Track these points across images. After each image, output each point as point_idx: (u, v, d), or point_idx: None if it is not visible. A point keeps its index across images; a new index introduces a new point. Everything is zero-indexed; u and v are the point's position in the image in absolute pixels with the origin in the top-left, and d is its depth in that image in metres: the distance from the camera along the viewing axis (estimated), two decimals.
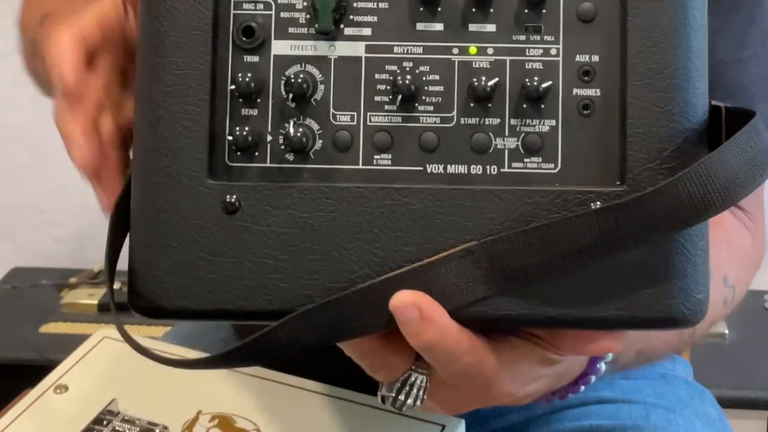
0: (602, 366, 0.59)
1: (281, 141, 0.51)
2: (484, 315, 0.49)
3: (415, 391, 0.54)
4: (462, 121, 0.51)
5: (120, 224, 0.54)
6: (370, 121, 0.51)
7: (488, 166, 0.50)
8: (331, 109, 0.51)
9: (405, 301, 0.48)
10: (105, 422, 0.74)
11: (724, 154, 0.47)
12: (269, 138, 0.52)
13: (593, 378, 0.59)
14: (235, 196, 0.51)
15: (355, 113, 0.51)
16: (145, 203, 0.52)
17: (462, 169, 0.51)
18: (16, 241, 2.03)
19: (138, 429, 0.74)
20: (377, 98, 0.51)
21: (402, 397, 0.54)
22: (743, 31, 0.72)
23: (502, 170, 0.50)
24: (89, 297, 1.77)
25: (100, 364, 0.81)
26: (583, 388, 0.60)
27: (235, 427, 0.75)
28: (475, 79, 0.50)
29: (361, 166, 0.51)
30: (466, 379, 0.52)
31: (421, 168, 0.51)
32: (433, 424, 0.75)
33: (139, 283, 0.52)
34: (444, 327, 0.49)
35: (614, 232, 0.47)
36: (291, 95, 0.51)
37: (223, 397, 0.77)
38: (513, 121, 0.51)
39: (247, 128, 0.51)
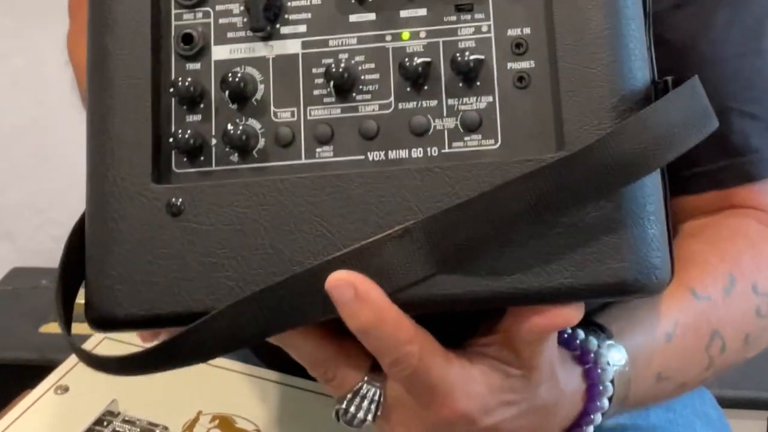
0: (604, 402, 0.56)
1: (225, 143, 0.52)
2: (427, 296, 0.48)
3: (366, 404, 0.52)
4: (400, 106, 0.51)
5: (74, 257, 0.55)
6: (311, 115, 0.52)
7: (429, 148, 0.50)
8: (272, 107, 0.52)
9: (339, 280, 0.47)
10: (105, 423, 0.74)
11: (657, 109, 0.46)
12: (213, 141, 0.52)
13: (597, 417, 0.56)
14: (180, 199, 0.51)
15: (295, 109, 0.52)
16: (94, 215, 0.52)
17: (403, 153, 0.51)
18: (16, 241, 2.02)
19: (138, 429, 0.74)
20: (316, 92, 0.52)
21: (353, 409, 0.52)
22: (760, 22, 0.71)
23: (443, 151, 0.50)
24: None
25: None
26: (591, 428, 0.56)
27: (236, 428, 0.75)
28: (406, 59, 0.50)
29: (303, 161, 0.51)
30: (414, 384, 0.50)
31: (363, 156, 0.51)
32: None
33: (92, 294, 0.52)
34: (381, 307, 0.47)
35: (550, 194, 0.46)
36: (230, 96, 0.52)
37: (223, 397, 0.77)
38: (450, 101, 0.51)
39: (190, 132, 0.52)
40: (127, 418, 0.75)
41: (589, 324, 0.57)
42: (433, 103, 0.51)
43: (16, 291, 1.82)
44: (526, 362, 0.51)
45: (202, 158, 0.52)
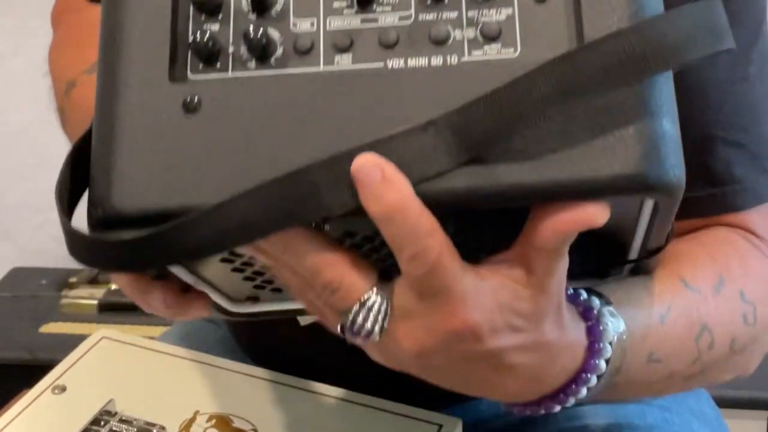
0: (602, 364, 0.55)
1: (242, 51, 0.52)
2: (448, 190, 0.48)
3: (373, 315, 0.50)
4: (420, 18, 0.51)
5: (79, 165, 0.53)
6: (330, 25, 0.52)
7: (448, 56, 0.51)
8: (291, 17, 0.52)
9: (367, 161, 0.46)
10: (103, 422, 0.74)
11: (677, 13, 0.47)
12: (231, 49, 0.52)
13: (592, 379, 0.56)
14: (197, 97, 0.51)
15: (314, 19, 0.52)
16: (105, 111, 0.52)
17: (423, 61, 0.51)
18: (16, 241, 2.03)
19: (135, 429, 0.74)
20: (336, 4, 0.52)
21: (360, 320, 0.50)
22: (747, 49, 0.71)
23: (462, 59, 0.50)
24: (89, 297, 1.77)
25: (98, 365, 0.81)
26: (584, 390, 0.56)
27: (233, 427, 0.75)
28: None
29: (322, 68, 0.51)
30: (428, 285, 0.49)
31: (382, 64, 0.51)
32: (430, 424, 0.75)
33: (98, 191, 0.51)
34: (407, 193, 0.47)
35: (570, 78, 0.46)
36: (251, 7, 0.52)
37: (220, 397, 0.77)
38: (470, 13, 0.51)
39: (208, 38, 0.51)
40: (124, 418, 0.75)
41: (589, 292, 0.57)
42: (453, 15, 0.51)
43: (16, 291, 1.82)
44: (537, 281, 0.50)
45: (218, 64, 0.52)
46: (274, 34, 0.52)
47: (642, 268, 0.61)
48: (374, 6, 0.52)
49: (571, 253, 0.51)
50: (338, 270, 0.50)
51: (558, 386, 0.56)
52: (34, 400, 0.77)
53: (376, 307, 0.50)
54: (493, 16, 0.51)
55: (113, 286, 1.79)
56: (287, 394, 0.78)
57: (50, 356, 1.50)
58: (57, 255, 1.98)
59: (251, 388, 0.79)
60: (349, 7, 0.52)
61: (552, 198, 0.48)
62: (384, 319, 0.51)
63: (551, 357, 0.54)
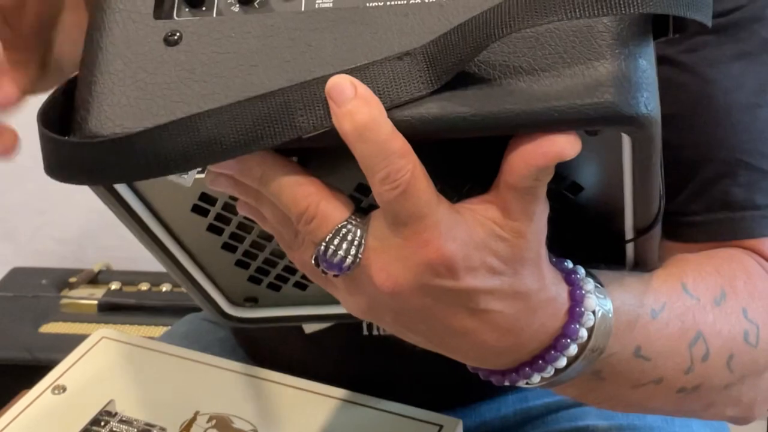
0: (583, 331, 0.54)
1: None
2: (421, 116, 0.48)
3: (346, 245, 0.50)
4: None
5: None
6: None
7: None
8: None
9: (342, 79, 0.47)
10: (103, 423, 0.74)
11: None
12: None
13: (572, 348, 0.54)
14: (179, 33, 0.52)
15: None
16: (92, 43, 0.53)
17: (402, 0, 0.51)
18: (16, 241, 2.03)
19: (135, 430, 0.74)
20: None
21: (333, 247, 0.50)
22: None
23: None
24: (89, 297, 1.77)
25: (98, 365, 0.81)
26: (563, 360, 0.54)
27: (233, 428, 0.75)
28: None
29: (303, 10, 0.52)
30: (401, 209, 0.49)
31: (362, 5, 0.51)
32: (430, 425, 0.75)
33: (79, 113, 0.52)
34: (379, 111, 0.47)
35: (538, 4, 0.46)
36: None
37: (220, 397, 0.77)
38: None
39: None
40: (124, 419, 0.75)
41: (576, 264, 0.56)
42: None
43: (16, 291, 1.82)
44: (515, 224, 0.50)
45: (203, 8, 0.53)
46: None
47: (642, 263, 0.60)
48: None
49: (566, 233, 0.50)
50: (314, 198, 0.50)
51: (536, 349, 0.54)
52: (35, 400, 0.77)
53: (350, 236, 0.50)
54: None
55: (113, 286, 1.79)
56: (287, 394, 0.78)
57: (50, 356, 1.50)
58: (57, 255, 1.99)
59: (251, 389, 0.79)
60: None
61: (522, 128, 0.48)
62: (358, 248, 0.50)
63: (529, 309, 0.53)
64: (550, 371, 0.55)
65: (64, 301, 1.78)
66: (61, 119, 0.54)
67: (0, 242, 2.03)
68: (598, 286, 0.55)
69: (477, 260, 0.50)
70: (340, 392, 0.78)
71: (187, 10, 0.53)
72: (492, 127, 0.48)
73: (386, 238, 0.50)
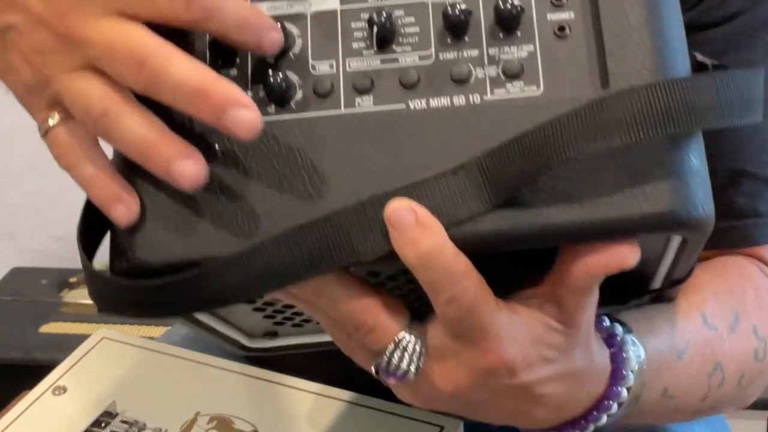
0: (623, 391, 0.55)
1: (261, 95, 0.51)
2: (479, 233, 0.48)
3: (408, 355, 0.50)
4: (440, 57, 0.51)
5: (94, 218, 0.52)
6: (350, 67, 0.51)
7: (471, 95, 0.50)
8: (310, 60, 0.52)
9: (401, 206, 0.47)
10: (103, 424, 0.74)
11: (714, 79, 0.46)
12: (249, 94, 0.51)
13: (613, 407, 0.56)
14: (216, 144, 0.50)
15: (333, 61, 0.51)
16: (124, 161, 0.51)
17: (445, 101, 0.50)
18: (16, 241, 2.03)
19: (136, 431, 0.74)
20: (355, 45, 0.51)
21: (395, 360, 0.50)
22: None
23: (485, 98, 0.50)
24: (89, 297, 1.77)
25: (99, 366, 0.81)
26: (604, 418, 0.56)
27: (234, 429, 0.75)
28: (448, 7, 0.50)
29: (343, 111, 0.51)
30: (463, 326, 0.49)
31: (404, 105, 0.50)
32: (431, 425, 0.75)
33: (121, 241, 0.51)
34: (441, 236, 0.47)
35: (597, 127, 0.46)
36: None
37: (221, 398, 0.77)
38: (491, 51, 0.51)
39: None
40: (125, 419, 0.75)
41: (611, 319, 0.57)
42: (474, 52, 0.51)
43: (16, 291, 1.82)
44: (568, 317, 0.51)
45: None
46: (293, 77, 0.51)
47: (664, 296, 0.61)
48: (394, 46, 0.51)
49: None
50: (372, 313, 0.50)
51: (580, 413, 0.56)
52: (35, 401, 0.77)
53: (410, 347, 0.50)
54: (515, 53, 0.50)
55: None
56: (289, 395, 0.78)
57: (50, 356, 1.50)
58: (57, 255, 1.99)
59: (252, 389, 0.79)
60: (368, 47, 0.51)
61: (583, 239, 0.49)
62: (419, 358, 0.51)
63: (579, 384, 0.54)
64: (590, 428, 0.57)
65: (64, 301, 1.78)
66: (94, 236, 0.53)
67: (0, 242, 2.03)
68: (633, 338, 0.57)
69: (534, 356, 0.51)
70: (341, 393, 0.78)
71: None
72: (552, 238, 0.49)
73: (447, 346, 0.50)
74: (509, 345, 0.50)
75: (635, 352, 0.56)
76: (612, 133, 0.46)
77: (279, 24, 0.51)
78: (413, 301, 0.52)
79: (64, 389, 0.78)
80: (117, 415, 0.75)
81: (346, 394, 0.78)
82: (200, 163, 0.48)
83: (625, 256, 0.48)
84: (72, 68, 0.49)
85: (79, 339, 0.86)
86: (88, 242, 0.53)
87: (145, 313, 0.51)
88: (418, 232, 0.46)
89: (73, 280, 1.83)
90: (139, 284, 0.49)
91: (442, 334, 0.50)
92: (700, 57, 0.52)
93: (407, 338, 0.50)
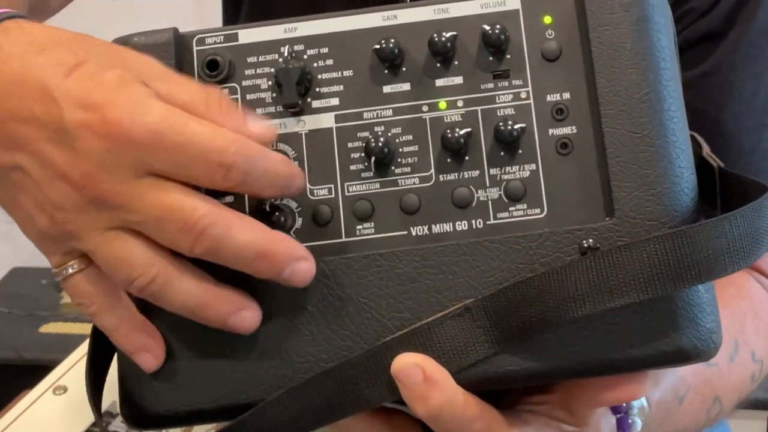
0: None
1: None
2: (488, 374, 0.48)
3: None
4: (441, 178, 0.50)
5: (102, 348, 0.52)
6: (348, 191, 0.50)
7: (473, 221, 0.49)
8: (308, 185, 0.50)
9: (407, 363, 0.46)
10: (104, 424, 0.74)
11: (720, 223, 0.45)
12: None
13: None
14: None
15: (332, 185, 0.50)
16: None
17: (447, 227, 0.50)
18: (16, 241, 2.02)
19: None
20: (353, 167, 0.50)
21: None
22: None
23: (488, 222, 0.49)
24: None
25: None
26: None
27: None
28: (447, 131, 0.49)
29: (344, 239, 0.50)
30: None
31: (406, 232, 0.50)
32: None
33: (130, 391, 0.50)
34: (450, 389, 0.46)
35: (605, 280, 0.45)
36: None
37: None
38: (492, 171, 0.50)
39: None
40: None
41: None
42: (475, 173, 0.50)
43: (16, 291, 1.82)
44: (579, 420, 0.51)
45: None
46: (291, 203, 0.50)
47: None
48: (393, 168, 0.50)
49: None
50: None
51: None
52: (36, 400, 0.77)
53: None
54: (517, 172, 0.50)
55: None
56: None
57: (50, 356, 1.49)
58: None
59: None
60: (367, 169, 0.50)
61: (594, 375, 0.49)
62: None
63: None
64: None
65: (64, 301, 1.78)
66: (100, 378, 0.53)
67: (0, 242, 2.02)
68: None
69: None
70: None
71: None
72: (563, 376, 0.49)
73: None
74: None
75: (640, 412, 0.56)
76: (624, 292, 0.45)
77: (274, 145, 0.50)
78: None
79: (65, 389, 0.78)
80: (117, 414, 0.75)
81: None
82: (255, 311, 0.48)
83: (636, 391, 0.49)
84: (105, 228, 0.46)
85: (79, 339, 0.86)
86: (95, 393, 0.53)
87: None
88: (426, 388, 0.46)
89: None
90: None
91: None
92: (706, 153, 0.51)
93: None
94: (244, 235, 0.45)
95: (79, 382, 0.79)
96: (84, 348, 0.83)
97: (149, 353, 0.49)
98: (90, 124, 0.45)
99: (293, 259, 0.46)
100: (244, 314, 0.48)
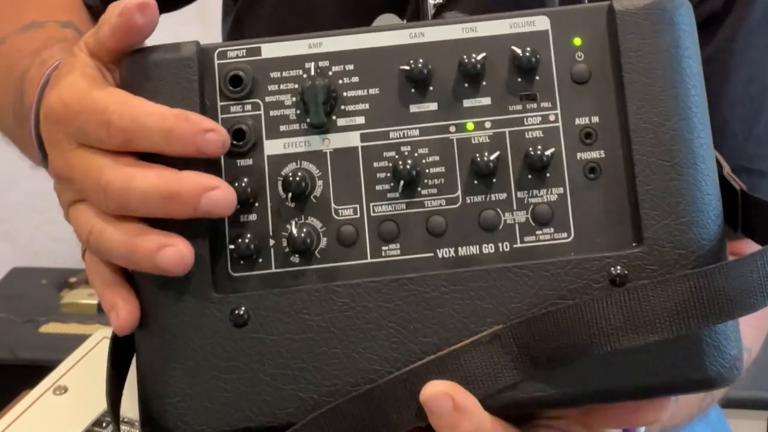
0: None
1: (284, 244, 0.49)
2: (515, 400, 0.48)
3: None
4: (468, 200, 0.49)
5: (121, 359, 0.53)
6: (374, 211, 0.50)
7: (500, 244, 0.49)
8: (333, 204, 0.50)
9: (437, 392, 0.46)
10: (104, 424, 0.74)
11: (742, 266, 0.46)
12: (272, 242, 0.50)
13: None
14: (243, 308, 0.49)
15: (357, 206, 0.50)
16: (151, 327, 0.50)
17: (474, 249, 0.49)
18: (16, 241, 2.03)
19: (137, 430, 0.74)
20: (378, 187, 0.50)
21: None
22: None
23: (515, 246, 0.49)
24: (89, 297, 1.77)
25: (100, 365, 0.81)
26: None
27: None
28: (477, 155, 0.49)
29: (369, 260, 0.49)
30: None
31: (432, 254, 0.49)
32: None
33: (153, 412, 0.50)
34: (479, 416, 0.46)
35: (638, 316, 0.45)
36: (290, 195, 0.49)
37: None
38: (520, 194, 0.49)
39: (248, 235, 0.49)
40: (126, 419, 0.75)
41: None
42: (503, 196, 0.49)
43: (16, 291, 1.82)
44: None
45: (260, 260, 0.50)
46: (316, 223, 0.50)
47: None
48: (419, 188, 0.50)
49: None
50: None
51: None
52: (36, 400, 0.77)
53: None
54: (544, 196, 0.49)
55: None
56: None
57: (50, 356, 1.49)
58: (57, 255, 1.98)
59: None
60: (393, 189, 0.50)
61: (617, 401, 0.49)
62: None
63: None
64: None
65: (64, 301, 1.78)
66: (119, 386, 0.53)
67: (0, 242, 2.02)
68: None
69: None
70: None
71: (242, 263, 0.50)
72: (589, 401, 0.49)
73: None
74: None
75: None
76: (656, 329, 0.45)
77: (298, 163, 0.49)
78: None
79: (65, 389, 0.78)
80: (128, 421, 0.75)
81: None
82: (181, 246, 0.48)
83: (657, 416, 0.49)
84: (71, 202, 0.52)
85: (79, 339, 0.86)
86: (115, 401, 0.54)
87: None
88: (456, 417, 0.46)
89: (72, 280, 1.83)
90: None
91: None
92: (726, 173, 0.51)
93: None
94: (144, 182, 0.47)
95: (79, 382, 0.79)
96: (84, 348, 0.83)
97: (114, 312, 0.50)
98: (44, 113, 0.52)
99: (202, 190, 0.47)
100: (166, 251, 0.47)
